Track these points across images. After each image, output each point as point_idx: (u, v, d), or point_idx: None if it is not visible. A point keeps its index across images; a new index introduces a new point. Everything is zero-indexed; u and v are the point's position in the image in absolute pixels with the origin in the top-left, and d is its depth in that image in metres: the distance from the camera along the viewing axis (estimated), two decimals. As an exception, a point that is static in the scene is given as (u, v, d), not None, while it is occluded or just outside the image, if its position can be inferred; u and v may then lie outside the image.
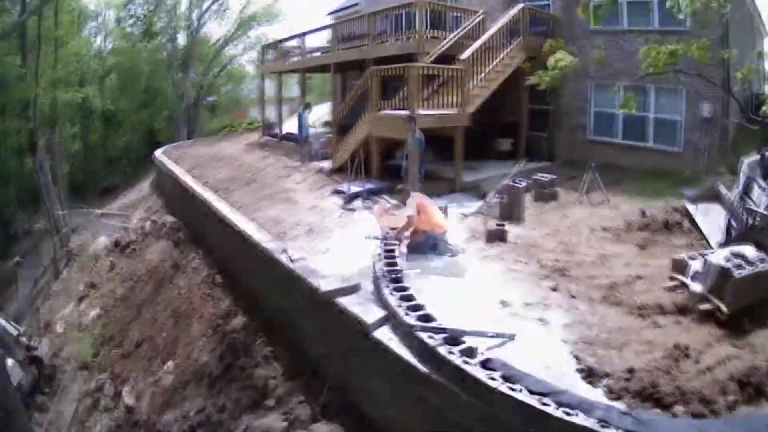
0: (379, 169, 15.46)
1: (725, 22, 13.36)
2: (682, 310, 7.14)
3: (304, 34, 24.73)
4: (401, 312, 6.81)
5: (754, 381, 5.44)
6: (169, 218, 18.79)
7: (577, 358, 6.16)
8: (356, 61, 19.68)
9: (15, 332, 16.23)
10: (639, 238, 10.27)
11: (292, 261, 9.23)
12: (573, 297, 7.86)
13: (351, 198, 13.83)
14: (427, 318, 6.64)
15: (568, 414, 4.70)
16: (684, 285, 7.60)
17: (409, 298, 7.23)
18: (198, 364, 10.27)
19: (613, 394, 5.48)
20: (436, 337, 6.18)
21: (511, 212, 11.68)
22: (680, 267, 7.91)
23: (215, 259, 13.89)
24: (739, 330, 6.53)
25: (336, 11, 32.72)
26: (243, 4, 41.24)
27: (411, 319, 6.62)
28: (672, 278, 8.01)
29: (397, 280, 7.85)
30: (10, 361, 13.89)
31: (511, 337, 6.45)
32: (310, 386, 8.20)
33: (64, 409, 13.18)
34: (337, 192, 14.64)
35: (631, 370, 5.77)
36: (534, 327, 6.95)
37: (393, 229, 9.93)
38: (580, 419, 4.62)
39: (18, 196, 32.97)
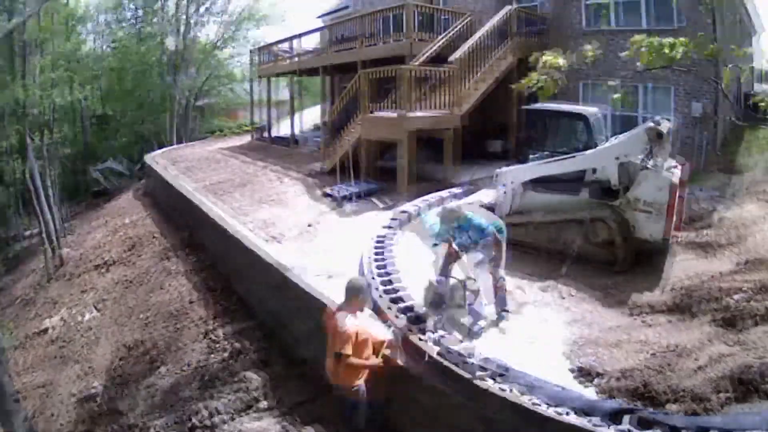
0: (370, 171, 15.46)
1: (715, 19, 13.44)
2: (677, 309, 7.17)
3: (295, 36, 24.71)
4: (391, 315, 6.80)
5: (747, 378, 5.45)
6: (162, 221, 18.74)
7: (570, 358, 6.18)
8: (348, 63, 19.67)
9: None
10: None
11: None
12: (572, 296, 7.90)
13: (342, 200, 13.83)
14: (418, 320, 6.63)
15: (559, 414, 4.69)
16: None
17: (399, 300, 7.24)
18: (192, 368, 10.24)
19: (606, 393, 5.48)
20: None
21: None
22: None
23: (209, 263, 13.87)
24: (733, 328, 6.55)
25: (327, 14, 32.73)
26: (236, 7, 41.27)
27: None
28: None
29: (388, 282, 7.86)
30: None
31: None
32: (304, 388, 8.19)
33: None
34: (328, 195, 14.65)
35: (624, 370, 5.78)
36: (530, 325, 6.97)
37: None
38: (572, 419, 4.62)
39: (11, 199, 32.80)
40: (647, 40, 8.98)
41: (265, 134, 28.61)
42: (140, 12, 39.96)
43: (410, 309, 6.95)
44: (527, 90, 10.20)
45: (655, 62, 9.08)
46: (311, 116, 35.99)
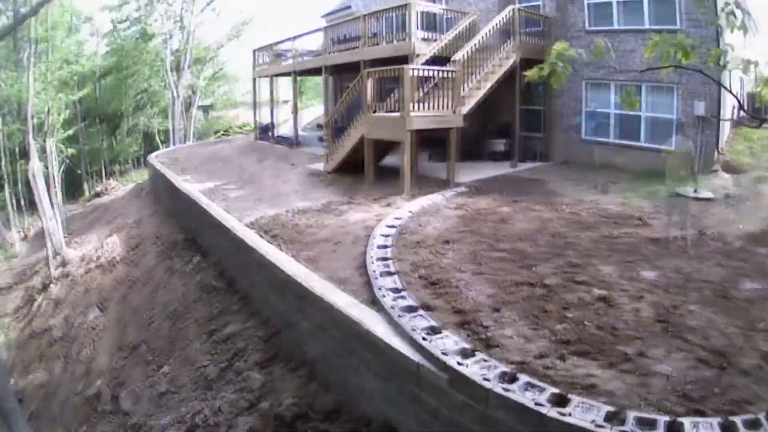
0: (373, 171, 15.46)
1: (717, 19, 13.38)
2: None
3: (297, 36, 24.72)
4: (395, 314, 6.81)
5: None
6: (165, 221, 18.77)
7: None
8: (350, 63, 19.67)
9: None
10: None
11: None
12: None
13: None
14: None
15: (562, 414, 4.69)
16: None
17: (404, 298, 7.24)
18: (194, 367, 10.26)
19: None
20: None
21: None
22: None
23: (211, 262, 13.87)
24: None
25: (330, 13, 32.75)
26: (238, 11, 41.55)
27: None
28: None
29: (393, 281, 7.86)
30: None
31: None
32: (307, 388, 8.19)
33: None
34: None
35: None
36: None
37: None
38: (574, 419, 4.61)
39: (13, 200, 32.93)
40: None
41: (269, 134, 28.56)
42: (142, 11, 40.00)
43: (415, 308, 6.95)
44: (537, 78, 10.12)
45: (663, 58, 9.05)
46: (308, 116, 36.16)
